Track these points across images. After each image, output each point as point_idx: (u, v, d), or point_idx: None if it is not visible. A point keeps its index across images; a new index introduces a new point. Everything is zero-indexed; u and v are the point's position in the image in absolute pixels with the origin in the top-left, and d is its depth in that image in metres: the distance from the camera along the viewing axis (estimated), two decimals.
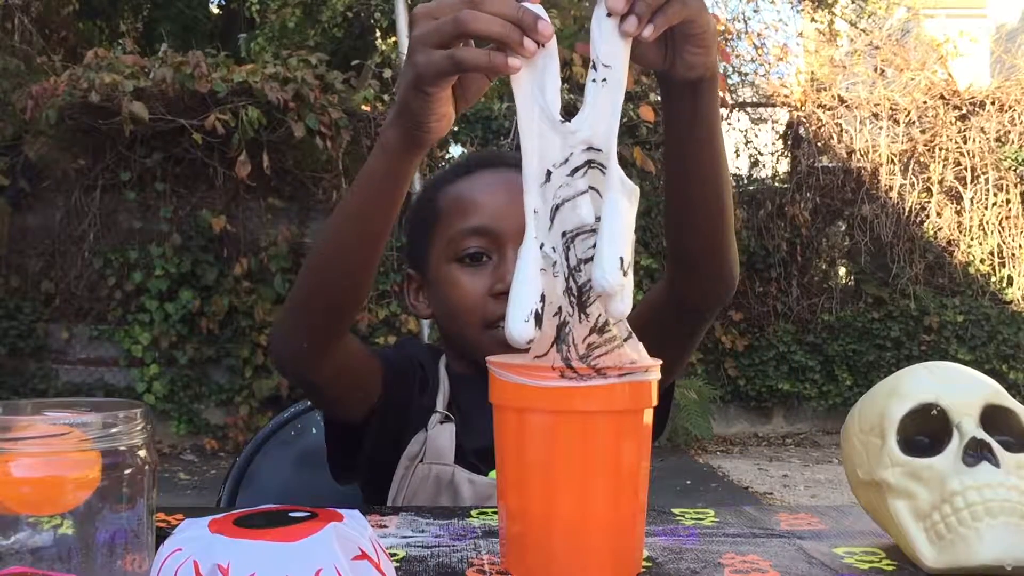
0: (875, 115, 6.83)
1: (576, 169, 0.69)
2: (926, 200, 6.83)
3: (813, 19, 8.56)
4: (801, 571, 0.74)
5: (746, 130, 7.04)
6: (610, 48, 0.69)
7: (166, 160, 5.93)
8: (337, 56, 6.96)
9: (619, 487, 0.70)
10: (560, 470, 0.69)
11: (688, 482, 5.31)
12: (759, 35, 7.59)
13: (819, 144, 6.86)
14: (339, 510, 0.60)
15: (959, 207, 6.83)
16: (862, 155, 6.81)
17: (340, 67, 6.14)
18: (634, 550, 0.73)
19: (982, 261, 6.82)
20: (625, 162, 6.14)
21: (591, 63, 0.69)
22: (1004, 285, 6.84)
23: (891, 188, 6.81)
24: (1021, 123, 6.76)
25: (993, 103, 6.78)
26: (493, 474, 0.76)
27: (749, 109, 7.16)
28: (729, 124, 6.95)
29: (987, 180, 6.78)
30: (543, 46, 0.69)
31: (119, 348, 6.03)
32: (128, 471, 0.62)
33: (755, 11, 10.18)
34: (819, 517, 0.92)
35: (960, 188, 6.81)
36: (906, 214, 6.79)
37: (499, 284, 1.04)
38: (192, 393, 6.07)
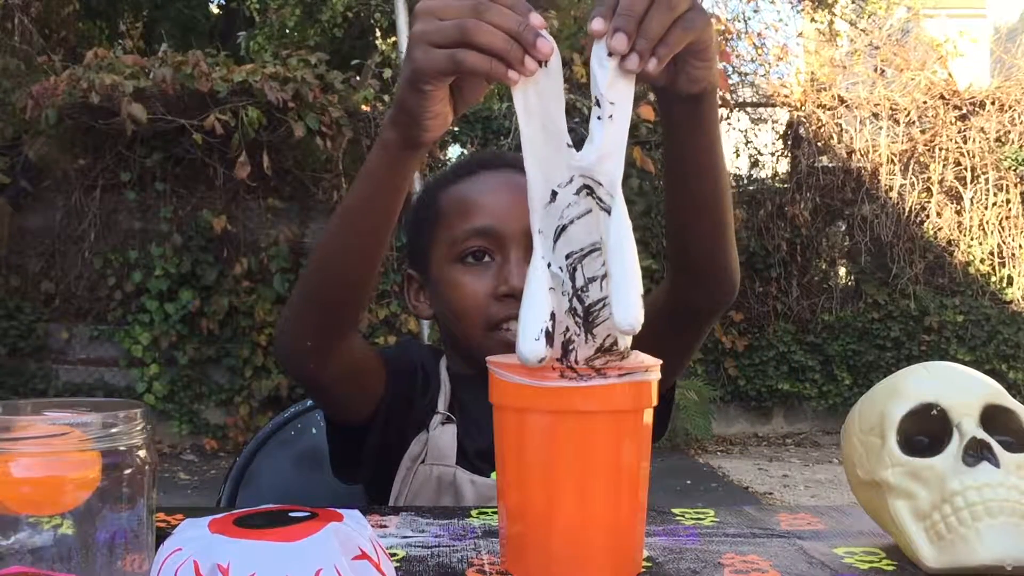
0: (875, 115, 6.83)
1: (580, 189, 0.69)
2: (926, 200, 6.83)
3: (813, 19, 8.56)
4: (801, 571, 0.74)
5: (746, 130, 7.03)
6: (614, 85, 0.68)
7: (166, 160, 5.93)
8: (337, 56, 6.96)
9: (619, 487, 0.70)
10: (560, 470, 0.69)
11: (688, 482, 5.31)
12: (759, 35, 7.59)
13: (819, 144, 6.86)
14: (339, 510, 0.60)
15: (959, 207, 6.83)
16: (862, 155, 6.81)
17: (340, 67, 6.14)
18: (634, 550, 0.73)
19: (982, 261, 6.82)
20: (626, 162, 6.13)
21: (594, 100, 0.68)
22: (1004, 285, 6.84)
23: (891, 188, 6.81)
24: (1021, 123, 6.76)
25: (993, 103, 6.78)
26: (495, 475, 0.76)
27: (749, 109, 7.16)
28: (729, 124, 6.94)
29: (987, 180, 6.78)
30: (545, 64, 0.68)
31: (119, 348, 6.03)
32: (128, 471, 0.62)
33: (755, 11, 10.19)
34: (819, 517, 0.92)
35: (960, 188, 6.81)
36: (906, 214, 6.79)
37: (502, 286, 1.04)
38: (192, 393, 6.07)
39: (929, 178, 6.80)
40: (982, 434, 0.74)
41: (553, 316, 0.68)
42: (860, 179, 6.81)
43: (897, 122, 6.79)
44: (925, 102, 6.78)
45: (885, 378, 0.82)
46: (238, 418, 5.97)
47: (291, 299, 0.96)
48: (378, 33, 8.31)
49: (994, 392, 0.77)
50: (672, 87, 0.79)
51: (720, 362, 6.71)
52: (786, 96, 6.99)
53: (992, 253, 6.81)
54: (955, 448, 0.74)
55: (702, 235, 0.93)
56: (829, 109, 6.82)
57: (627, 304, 0.65)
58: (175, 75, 5.44)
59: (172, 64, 5.49)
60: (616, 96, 0.68)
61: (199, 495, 4.84)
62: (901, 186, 6.81)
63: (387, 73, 6.17)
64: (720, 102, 6.56)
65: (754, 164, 7.03)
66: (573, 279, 0.69)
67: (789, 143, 6.97)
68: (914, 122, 6.80)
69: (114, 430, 0.61)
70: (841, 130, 6.85)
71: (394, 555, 0.76)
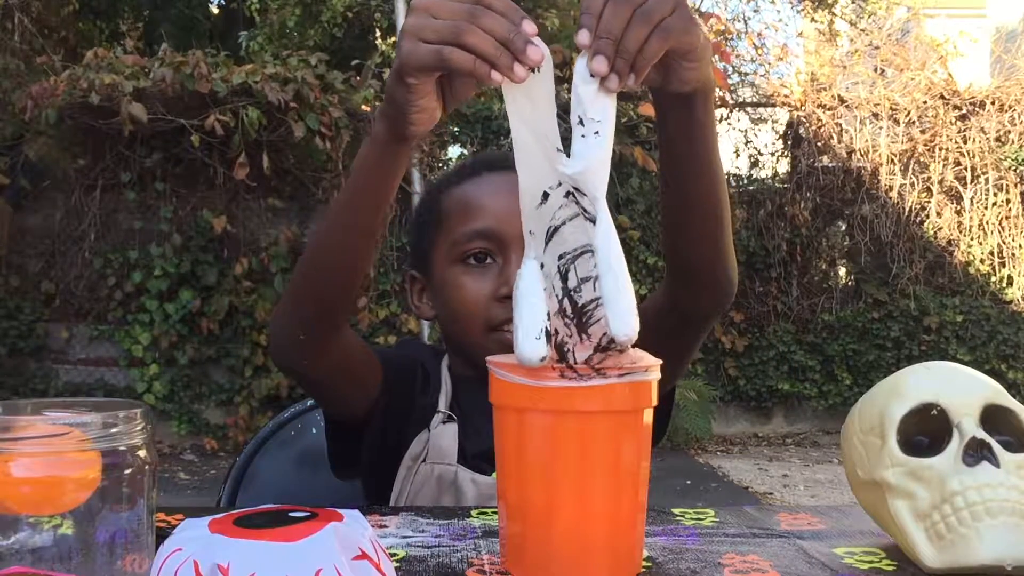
0: (875, 115, 6.83)
1: (568, 194, 0.69)
2: (926, 200, 6.83)
3: (813, 19, 8.55)
4: (801, 571, 0.74)
5: (746, 130, 7.03)
6: (597, 102, 0.68)
7: (166, 160, 5.93)
8: (337, 56, 6.96)
9: (619, 487, 0.70)
10: (559, 470, 0.69)
11: (688, 482, 5.31)
12: (759, 35, 7.58)
13: (819, 144, 6.86)
14: (339, 510, 0.60)
15: (959, 207, 6.83)
16: (862, 155, 6.80)
17: (340, 67, 6.14)
18: (634, 550, 0.73)
19: (982, 261, 6.82)
20: (626, 162, 6.14)
21: (576, 119, 0.68)
22: (1004, 285, 6.84)
23: (891, 188, 6.80)
24: (1021, 123, 6.76)
25: (993, 103, 6.77)
26: (496, 474, 0.76)
27: (749, 109, 7.15)
28: (729, 124, 6.94)
29: (987, 180, 6.78)
30: (537, 70, 0.68)
31: (119, 348, 6.03)
32: (128, 471, 0.62)
33: (755, 11, 10.18)
34: (819, 517, 0.92)
35: (960, 188, 6.81)
36: (906, 214, 6.79)
37: (503, 287, 1.04)
38: (192, 393, 6.06)
39: (929, 178, 6.80)
40: (982, 434, 0.74)
41: (549, 316, 0.68)
42: (860, 179, 6.81)
43: (897, 122, 6.79)
44: (925, 102, 6.78)
45: (885, 378, 0.82)
46: (238, 418, 5.97)
47: (284, 294, 0.97)
48: (378, 33, 8.31)
49: (994, 392, 0.77)
50: (664, 87, 0.79)
51: (720, 362, 6.71)
52: (786, 96, 6.99)
53: (992, 253, 6.81)
54: (955, 448, 0.74)
55: (699, 237, 0.93)
56: (829, 109, 6.82)
57: (622, 315, 0.65)
58: (175, 75, 5.44)
59: (172, 64, 5.49)
60: (600, 113, 0.68)
61: (199, 495, 4.83)
62: (901, 186, 6.81)
63: (387, 73, 6.17)
64: (720, 102, 6.56)
65: (754, 164, 7.02)
66: (565, 280, 0.69)
67: (789, 143, 6.97)
68: (914, 122, 6.80)
69: (114, 430, 0.61)
70: (841, 130, 6.85)
71: (394, 555, 0.76)
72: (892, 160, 6.80)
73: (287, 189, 6.07)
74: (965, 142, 6.76)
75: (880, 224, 6.76)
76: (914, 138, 6.79)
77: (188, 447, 5.98)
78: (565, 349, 0.69)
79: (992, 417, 0.75)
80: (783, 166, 7.08)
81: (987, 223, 6.80)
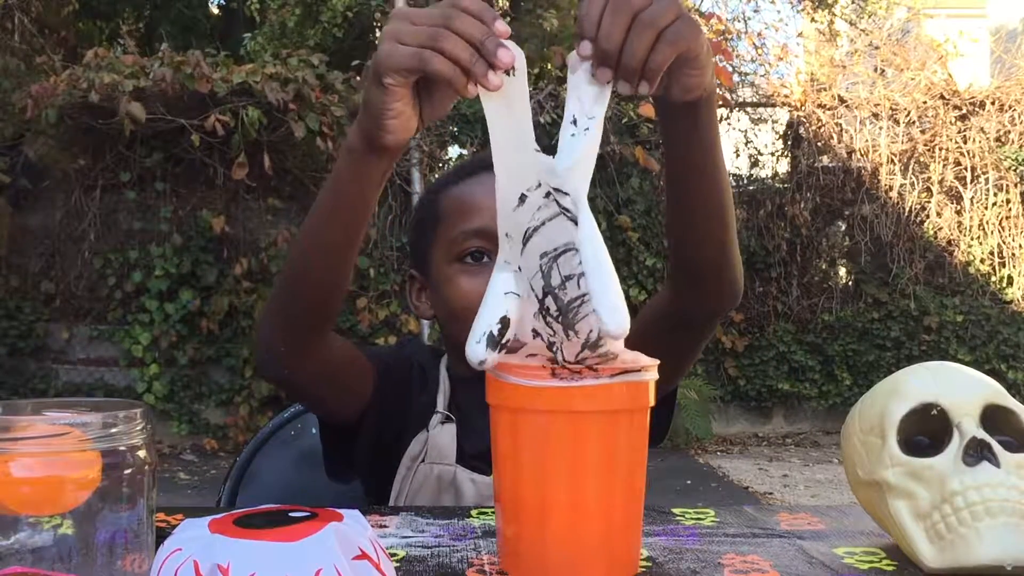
0: (875, 115, 6.83)
1: (547, 194, 0.68)
2: (926, 200, 6.83)
3: (813, 19, 8.55)
4: (801, 571, 0.74)
5: (746, 130, 7.03)
6: (598, 102, 0.68)
7: (166, 160, 5.93)
8: (337, 56, 6.96)
9: (614, 487, 0.70)
10: (554, 470, 0.69)
11: (688, 482, 5.31)
12: (759, 35, 7.58)
13: (819, 144, 6.86)
14: (339, 510, 0.60)
15: (959, 207, 6.84)
16: (862, 155, 6.81)
17: (340, 67, 6.14)
18: (631, 550, 0.73)
19: (982, 261, 6.82)
20: (626, 162, 6.15)
21: (571, 118, 0.68)
22: (1004, 285, 6.84)
23: (891, 188, 6.81)
24: (1021, 123, 6.76)
25: (993, 103, 6.78)
26: None
27: (749, 109, 7.16)
28: (729, 124, 6.95)
29: (987, 180, 6.78)
30: (510, 73, 0.68)
31: (119, 348, 6.03)
32: (128, 471, 0.62)
33: (755, 11, 10.16)
34: (819, 517, 0.92)
35: (960, 188, 6.81)
36: (906, 214, 6.79)
37: None
38: (192, 393, 6.07)
39: (929, 178, 6.80)
40: (982, 434, 0.74)
41: (505, 321, 0.69)
42: (860, 179, 6.81)
43: (897, 122, 6.79)
44: (925, 102, 6.78)
45: (885, 378, 0.82)
46: (238, 418, 5.97)
47: (266, 305, 0.97)
48: (378, 33, 8.31)
49: (994, 392, 0.77)
50: (667, 95, 0.79)
51: (720, 362, 6.71)
52: (786, 96, 6.99)
53: (992, 253, 6.81)
54: (955, 448, 0.74)
55: (703, 239, 0.93)
56: (829, 109, 6.82)
57: (611, 310, 0.64)
58: (175, 75, 5.44)
59: (172, 64, 5.49)
60: (597, 111, 0.68)
61: (199, 495, 4.83)
62: (901, 186, 6.81)
63: None
64: (720, 102, 6.56)
65: (754, 164, 7.03)
66: (548, 278, 0.68)
67: (789, 143, 6.97)
68: (914, 122, 6.80)
69: (114, 430, 0.61)
70: (841, 130, 6.85)
71: (394, 555, 0.76)
72: (892, 160, 6.80)
73: (287, 189, 6.07)
74: (965, 142, 6.76)
75: (880, 224, 6.76)
76: (914, 138, 6.79)
77: (188, 447, 5.98)
78: (553, 349, 0.69)
79: (992, 417, 0.75)
80: (783, 166, 7.08)
81: (987, 223, 6.80)
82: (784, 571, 0.73)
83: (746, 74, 7.35)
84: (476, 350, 0.68)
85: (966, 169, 6.77)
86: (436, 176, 6.31)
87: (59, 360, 6.13)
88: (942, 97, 6.78)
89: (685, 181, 0.90)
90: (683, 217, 0.93)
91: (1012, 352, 6.70)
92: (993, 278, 6.83)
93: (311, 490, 1.20)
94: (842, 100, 6.85)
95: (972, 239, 6.81)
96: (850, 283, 6.96)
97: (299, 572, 0.53)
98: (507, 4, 7.25)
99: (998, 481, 0.71)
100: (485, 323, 0.69)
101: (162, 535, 0.61)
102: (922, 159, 6.81)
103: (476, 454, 1.06)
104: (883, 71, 7.27)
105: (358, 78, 6.05)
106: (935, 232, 6.83)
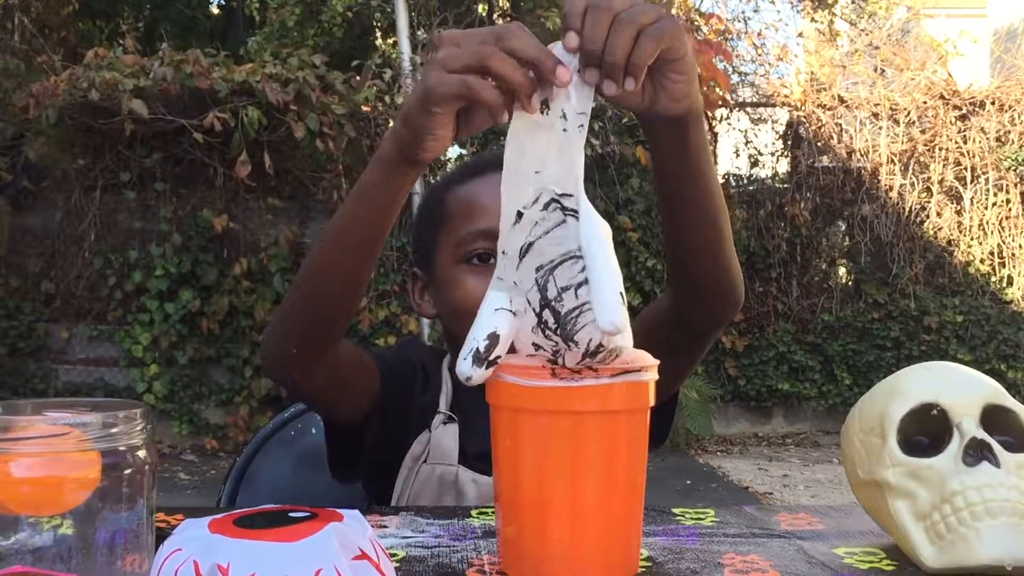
0: (875, 115, 6.83)
1: (548, 203, 0.69)
2: (926, 200, 6.83)
3: (813, 19, 8.55)
4: (801, 571, 0.74)
5: (746, 130, 7.03)
6: (584, 98, 0.69)
7: (166, 160, 5.93)
8: (337, 56, 6.96)
9: (613, 488, 0.70)
10: (553, 470, 0.69)
11: (688, 482, 5.31)
12: (759, 35, 7.57)
13: (819, 144, 6.86)
14: (339, 510, 0.60)
15: (959, 207, 6.84)
16: (862, 155, 6.80)
17: (340, 67, 6.14)
18: (630, 551, 0.73)
19: (982, 261, 6.82)
20: (627, 162, 6.15)
21: (561, 112, 0.68)
22: (1004, 285, 6.84)
23: (891, 188, 6.80)
24: (1021, 123, 6.76)
25: (993, 103, 6.77)
26: None
27: (749, 109, 7.16)
28: (729, 124, 6.95)
29: (987, 180, 6.78)
30: (545, 108, 0.69)
31: (119, 348, 6.03)
32: (128, 471, 0.62)
33: (755, 11, 10.15)
34: (819, 517, 0.92)
35: (960, 188, 6.81)
36: (906, 214, 6.79)
37: None
38: (192, 393, 6.06)
39: (929, 178, 6.80)
40: (982, 434, 0.74)
41: (493, 337, 0.69)
42: (860, 179, 6.81)
43: (897, 122, 6.79)
44: (925, 102, 6.78)
45: (885, 378, 0.82)
46: (238, 418, 5.97)
47: (280, 306, 0.97)
48: (378, 33, 8.31)
49: (994, 392, 0.77)
50: (653, 108, 0.78)
51: (720, 362, 6.71)
52: (786, 96, 6.99)
53: (992, 253, 6.81)
54: (955, 448, 0.74)
55: (698, 249, 0.93)
56: (829, 109, 6.82)
57: (605, 304, 0.65)
58: (175, 74, 5.44)
59: (172, 63, 5.49)
60: (586, 106, 0.69)
61: (199, 495, 4.83)
62: (901, 186, 6.81)
63: (387, 73, 6.17)
64: (720, 102, 6.56)
65: (754, 164, 7.03)
66: (545, 291, 0.69)
67: (789, 143, 6.97)
68: (914, 122, 6.80)
69: (114, 430, 0.61)
70: (841, 130, 6.85)
71: (394, 555, 0.76)
72: (892, 160, 6.80)
73: (287, 189, 6.07)
74: (965, 142, 6.76)
75: (880, 224, 6.76)
76: (914, 138, 6.79)
77: (188, 447, 5.98)
78: (557, 359, 0.69)
79: (992, 417, 0.75)
80: (783, 166, 7.08)
81: (987, 223, 6.80)
82: (784, 571, 0.73)
83: (746, 74, 7.35)
84: (462, 366, 0.70)
85: (966, 169, 6.77)
86: (436, 177, 6.32)
87: (59, 360, 6.13)
88: (942, 97, 6.78)
89: (677, 194, 0.89)
90: (676, 230, 0.93)
91: (1012, 352, 6.70)
92: (993, 278, 6.83)
93: (311, 490, 1.19)
94: (842, 100, 6.85)
95: (972, 239, 6.81)
96: (850, 283, 6.96)
97: (299, 572, 0.53)
98: (507, 4, 7.25)
99: (998, 481, 0.71)
100: (473, 339, 0.70)
101: (162, 535, 0.61)
102: (922, 159, 6.81)
103: (478, 454, 1.06)
104: (883, 71, 7.27)
105: (357, 78, 6.05)
106: (935, 232, 6.83)
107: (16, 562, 0.58)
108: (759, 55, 7.46)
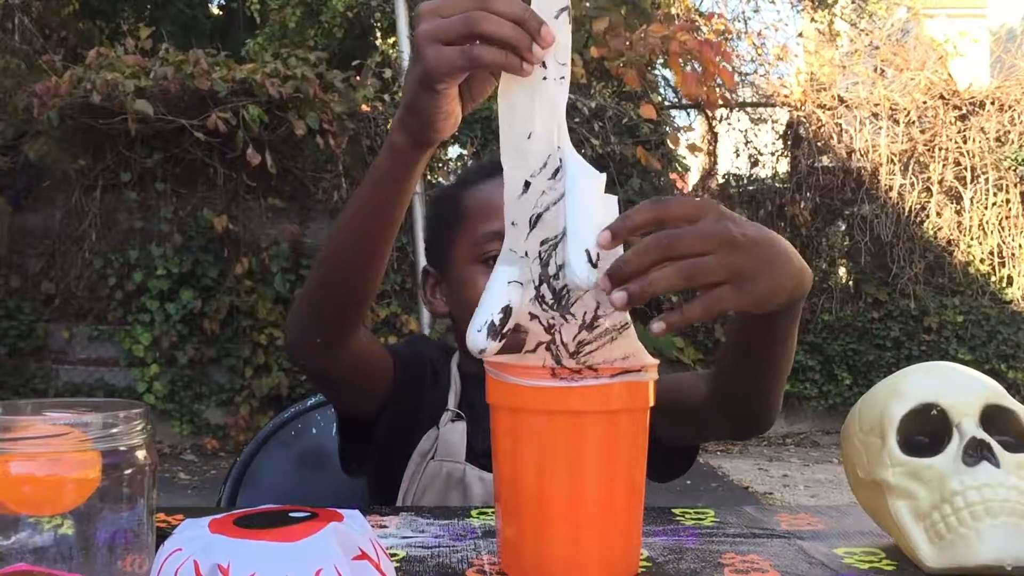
0: (875, 115, 6.83)
1: (557, 171, 0.68)
2: (926, 200, 6.83)
3: (813, 19, 8.56)
4: (801, 571, 0.74)
5: (746, 130, 7.04)
6: (563, 47, 0.68)
7: (166, 160, 5.93)
8: (337, 56, 6.96)
9: (613, 488, 0.70)
10: (554, 470, 0.69)
11: (688, 482, 5.30)
12: (759, 35, 7.59)
13: (819, 144, 6.86)
14: (339, 510, 0.60)
15: (959, 207, 6.83)
16: (862, 155, 6.80)
17: (340, 67, 6.14)
18: (630, 551, 0.73)
19: (982, 261, 6.82)
20: (627, 162, 6.14)
21: (542, 63, 0.68)
22: (1004, 285, 6.84)
23: (891, 188, 6.80)
24: (1021, 123, 6.76)
25: (993, 103, 6.77)
26: None
27: (749, 109, 7.16)
28: (729, 124, 6.95)
29: (987, 180, 6.78)
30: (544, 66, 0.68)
31: (119, 348, 6.03)
32: (128, 471, 0.62)
33: (755, 11, 10.18)
34: (819, 517, 0.92)
35: (960, 188, 6.81)
36: (906, 214, 6.79)
37: None
38: (193, 393, 6.06)
39: (929, 178, 6.80)
40: (982, 434, 0.74)
41: (507, 310, 0.69)
42: (860, 179, 6.81)
43: (897, 122, 6.79)
44: (925, 102, 6.78)
45: (885, 378, 0.82)
46: (238, 418, 5.97)
47: (299, 297, 0.98)
48: (378, 33, 8.32)
49: (994, 392, 0.77)
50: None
51: None
52: (786, 96, 6.99)
53: (992, 253, 6.81)
54: (955, 448, 0.74)
55: (755, 393, 0.93)
56: (829, 109, 6.82)
57: (573, 263, 0.65)
58: (176, 74, 5.44)
59: (173, 63, 5.49)
60: (566, 56, 0.68)
61: (199, 495, 4.83)
62: (901, 186, 6.81)
63: (387, 73, 6.17)
64: (721, 102, 6.54)
65: (754, 164, 7.03)
66: (546, 266, 0.69)
67: (789, 143, 6.97)
68: (914, 122, 6.80)
69: (114, 430, 0.61)
70: (841, 130, 6.85)
71: (394, 555, 0.76)
72: (892, 160, 6.80)
73: (287, 189, 6.07)
74: (965, 142, 6.76)
75: (880, 224, 6.76)
76: (914, 138, 6.79)
77: (188, 447, 5.98)
78: (553, 331, 0.69)
79: (992, 417, 0.75)
80: (783, 166, 7.08)
81: (987, 223, 6.80)
82: (784, 571, 0.73)
83: (746, 74, 7.36)
84: (477, 339, 0.69)
85: (966, 169, 6.77)
86: (436, 177, 6.32)
87: (59, 360, 6.13)
88: (942, 97, 6.78)
89: (755, 353, 0.89)
90: (739, 373, 0.92)
91: (1012, 352, 6.70)
92: (993, 278, 6.83)
93: (311, 490, 1.20)
94: (842, 100, 6.85)
95: (972, 239, 6.81)
96: (850, 283, 6.96)
97: (299, 572, 0.53)
98: None
99: (998, 481, 0.71)
100: (487, 312, 0.69)
101: (162, 535, 0.61)
102: (922, 159, 6.81)
103: (486, 452, 1.06)
104: (883, 71, 7.27)
105: (357, 78, 6.05)
106: (935, 232, 6.83)
107: (16, 562, 0.58)
108: (759, 55, 7.47)
